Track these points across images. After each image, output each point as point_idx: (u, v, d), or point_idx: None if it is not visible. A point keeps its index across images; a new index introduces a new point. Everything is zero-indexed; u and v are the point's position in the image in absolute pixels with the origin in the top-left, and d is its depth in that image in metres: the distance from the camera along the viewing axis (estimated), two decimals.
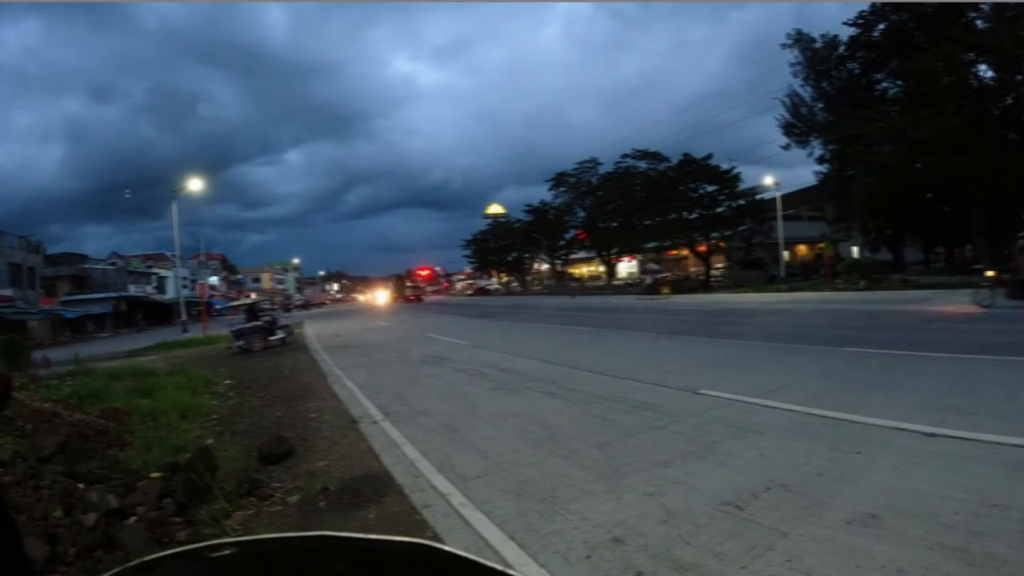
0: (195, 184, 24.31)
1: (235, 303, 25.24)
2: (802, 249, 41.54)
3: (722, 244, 36.17)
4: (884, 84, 25.94)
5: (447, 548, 0.65)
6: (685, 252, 39.98)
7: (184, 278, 44.58)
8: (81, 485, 3.32)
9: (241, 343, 14.45)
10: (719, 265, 39.17)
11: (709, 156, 34.66)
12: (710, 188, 34.94)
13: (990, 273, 11.67)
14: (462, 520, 3.01)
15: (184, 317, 25.88)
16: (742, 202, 33.87)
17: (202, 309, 26.11)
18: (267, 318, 15.88)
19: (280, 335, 15.30)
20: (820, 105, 28.20)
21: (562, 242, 52.07)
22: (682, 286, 32.59)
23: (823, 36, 27.26)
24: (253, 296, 75.82)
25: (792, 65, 28.73)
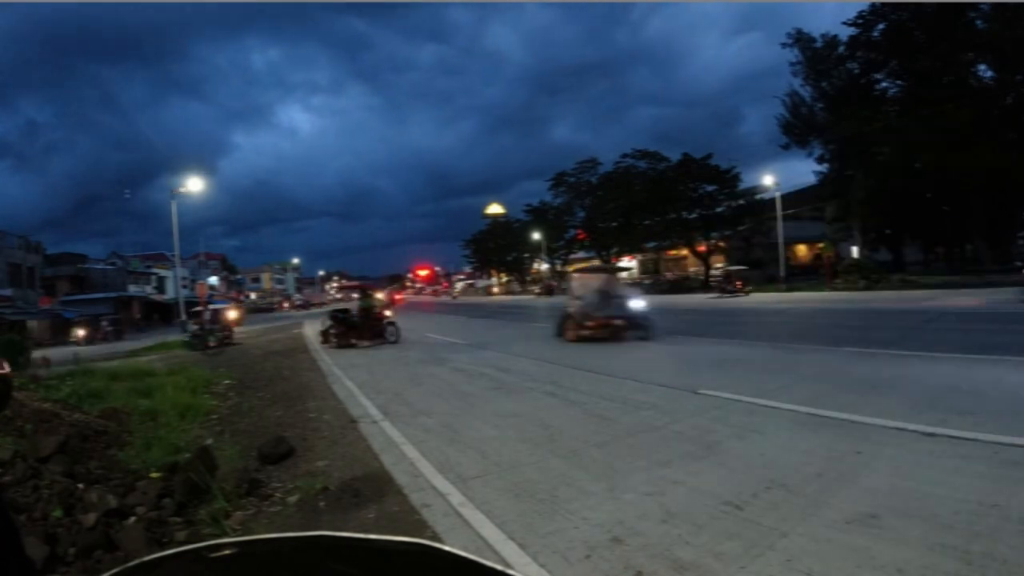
0: (196, 185, 25.06)
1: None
2: (802, 249, 41.50)
3: (722, 244, 36.17)
4: (884, 84, 25.98)
5: (447, 548, 0.65)
6: (685, 252, 39.95)
7: (184, 278, 44.49)
8: (81, 485, 3.32)
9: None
10: (719, 265, 39.17)
11: (709, 156, 34.71)
12: (710, 188, 34.99)
13: None
14: (462, 520, 3.01)
15: (183, 317, 25.86)
16: (742, 202, 33.91)
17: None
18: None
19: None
20: (820, 105, 28.24)
21: (561, 242, 51.94)
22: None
23: (823, 36, 27.34)
24: (253, 296, 75.81)
25: (792, 65, 28.80)
